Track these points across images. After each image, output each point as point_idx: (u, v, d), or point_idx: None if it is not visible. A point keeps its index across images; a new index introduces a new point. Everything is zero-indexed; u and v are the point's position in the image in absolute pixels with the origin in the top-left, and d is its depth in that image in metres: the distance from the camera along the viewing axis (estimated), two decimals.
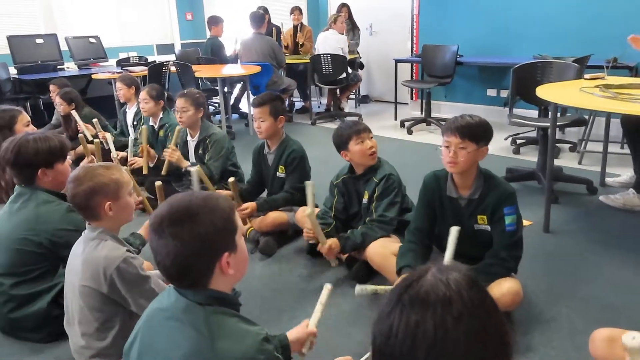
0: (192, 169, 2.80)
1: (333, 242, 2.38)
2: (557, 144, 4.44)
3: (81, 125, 4.25)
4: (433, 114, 5.77)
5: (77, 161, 3.84)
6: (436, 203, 2.16)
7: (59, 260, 1.96)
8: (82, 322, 1.67)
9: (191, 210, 1.13)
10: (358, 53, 7.09)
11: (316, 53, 6.27)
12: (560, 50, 4.95)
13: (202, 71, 5.79)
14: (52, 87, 4.89)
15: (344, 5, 6.94)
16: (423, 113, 5.93)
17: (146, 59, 6.76)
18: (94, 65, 6.72)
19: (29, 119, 2.69)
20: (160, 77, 5.88)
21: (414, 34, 6.59)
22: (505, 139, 4.82)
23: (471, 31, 5.96)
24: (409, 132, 5.55)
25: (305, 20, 7.47)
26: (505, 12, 5.67)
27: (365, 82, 7.58)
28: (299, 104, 7.25)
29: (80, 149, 3.83)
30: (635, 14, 4.74)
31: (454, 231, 1.86)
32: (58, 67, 6.43)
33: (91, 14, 6.99)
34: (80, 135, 3.27)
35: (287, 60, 6.55)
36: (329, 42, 6.16)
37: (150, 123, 4.03)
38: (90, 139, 4.26)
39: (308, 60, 6.23)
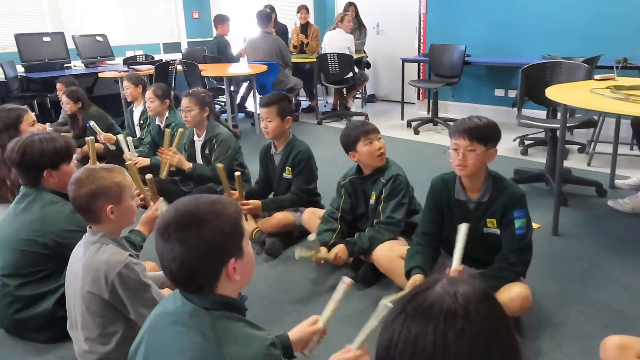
0: (219, 165, 2.79)
1: (340, 249, 2.37)
2: (566, 145, 4.40)
3: (102, 135, 4.24)
4: (440, 114, 5.74)
5: (83, 160, 3.85)
6: (444, 206, 2.14)
7: (64, 262, 1.94)
8: (85, 326, 1.65)
9: (198, 215, 1.11)
10: (365, 52, 7.06)
11: (323, 52, 6.24)
12: (569, 50, 4.91)
13: (209, 70, 5.78)
14: (58, 86, 4.91)
15: (350, 4, 6.91)
16: (430, 113, 5.89)
17: (153, 58, 6.76)
18: (100, 63, 6.73)
19: (35, 118, 2.68)
20: (167, 76, 5.88)
21: (421, 33, 6.56)
22: (514, 140, 4.78)
23: (479, 30, 5.92)
24: (416, 132, 5.52)
25: (312, 19, 7.45)
26: (513, 11, 5.63)
27: (371, 82, 7.55)
28: (305, 103, 7.24)
29: (86, 148, 3.82)
30: None
31: (463, 228, 1.84)
32: (65, 65, 6.45)
33: (98, 12, 7.00)
34: (88, 138, 3.26)
35: (294, 60, 6.53)
36: (336, 41, 6.13)
37: (157, 122, 4.03)
38: (113, 148, 4.28)
39: (314, 60, 6.21)
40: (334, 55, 5.95)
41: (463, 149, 1.94)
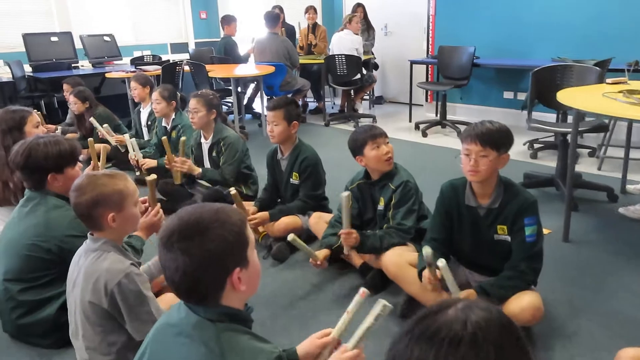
0: (233, 191, 2.68)
1: (354, 231, 2.31)
2: (576, 149, 4.34)
3: (105, 134, 4.25)
4: (448, 116, 5.69)
5: (89, 161, 3.83)
6: (454, 212, 2.10)
7: (67, 267, 1.92)
8: (86, 336, 1.61)
9: (202, 224, 1.08)
10: (373, 54, 7.02)
11: (330, 53, 6.21)
12: (579, 53, 4.85)
13: (216, 71, 5.76)
14: (65, 87, 4.91)
15: (359, 5, 6.87)
16: (438, 115, 5.84)
17: (160, 58, 6.76)
18: (108, 63, 6.74)
19: (39, 119, 2.66)
20: (174, 77, 5.87)
21: (430, 35, 6.50)
22: (524, 144, 4.72)
23: (488, 32, 5.86)
24: (424, 134, 5.48)
25: (319, 20, 7.42)
26: (523, 13, 5.56)
27: (379, 83, 7.52)
28: (312, 105, 7.20)
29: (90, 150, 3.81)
30: None
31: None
32: (72, 65, 6.46)
33: (106, 12, 7.00)
34: (90, 139, 3.24)
35: (301, 61, 6.50)
36: (344, 43, 6.10)
37: (163, 124, 4.01)
38: (114, 144, 4.28)
39: (322, 61, 6.18)
40: (341, 57, 5.91)
41: (475, 154, 1.90)
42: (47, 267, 1.96)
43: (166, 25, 7.66)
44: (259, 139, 5.51)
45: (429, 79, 6.49)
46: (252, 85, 6.85)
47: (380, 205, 2.46)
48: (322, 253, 2.44)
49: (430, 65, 6.41)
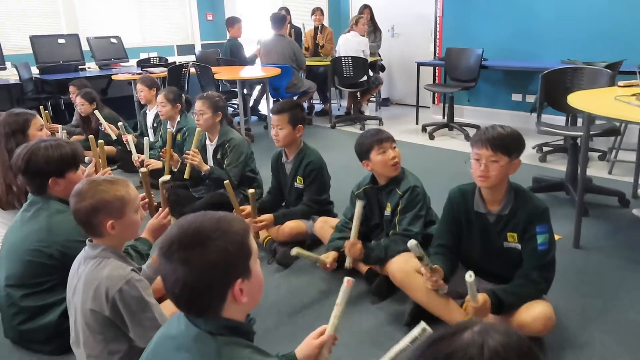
0: (226, 182, 2.69)
1: (358, 242, 2.28)
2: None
3: (104, 124, 4.24)
4: (456, 119, 5.63)
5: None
6: (462, 219, 2.05)
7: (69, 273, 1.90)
8: (87, 344, 1.58)
9: (202, 233, 1.04)
10: (379, 55, 6.98)
11: (337, 55, 6.17)
12: (589, 55, 4.78)
13: (222, 73, 5.74)
14: (71, 89, 4.90)
15: (366, 6, 6.83)
16: (445, 117, 5.78)
17: (166, 60, 6.75)
18: (114, 65, 6.74)
19: (42, 122, 2.64)
20: (180, 79, 5.86)
21: (437, 37, 6.46)
22: (533, 147, 4.65)
23: (496, 34, 5.81)
24: (431, 137, 5.43)
25: (326, 22, 7.38)
26: (531, 14, 5.51)
27: (386, 85, 7.47)
28: (318, 107, 7.17)
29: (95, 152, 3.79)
30: None
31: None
32: (79, 67, 6.45)
33: (113, 14, 7.00)
34: (90, 136, 3.22)
35: (308, 62, 6.47)
36: (350, 44, 6.06)
37: (168, 127, 3.99)
38: (115, 137, 4.26)
39: (328, 63, 6.14)
40: (348, 59, 5.88)
41: (485, 159, 1.86)
42: (49, 272, 1.93)
43: (173, 27, 7.64)
44: (265, 141, 5.47)
45: (436, 81, 6.44)
46: (258, 87, 6.82)
47: (387, 211, 2.42)
48: (331, 255, 2.43)
49: (437, 67, 6.35)
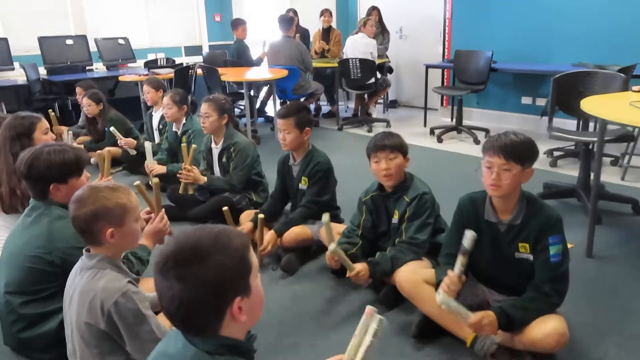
0: (224, 208, 2.70)
1: (363, 267, 2.20)
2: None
3: (122, 140, 4.24)
4: (464, 122, 5.56)
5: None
6: (472, 228, 1.98)
7: None
8: (83, 356, 1.54)
9: (200, 249, 0.99)
10: (387, 57, 6.92)
11: (345, 57, 6.12)
12: (600, 58, 4.70)
13: (228, 74, 5.71)
14: (78, 90, 4.89)
15: (374, 8, 6.78)
16: (454, 120, 5.71)
17: (174, 61, 6.73)
18: (122, 66, 6.73)
19: (48, 126, 2.61)
20: (187, 80, 5.83)
21: (446, 39, 6.39)
22: (544, 152, 4.56)
23: (506, 36, 5.73)
24: (439, 140, 5.36)
25: (334, 23, 7.34)
26: (542, 16, 5.43)
27: (394, 87, 7.41)
28: (326, 109, 7.13)
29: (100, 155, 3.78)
30: None
31: (469, 235, 1.83)
32: (87, 68, 6.45)
33: (121, 15, 6.99)
34: (100, 152, 3.19)
35: (315, 64, 6.42)
36: (358, 46, 6.01)
37: (174, 129, 3.96)
38: (134, 153, 4.28)
39: (336, 64, 6.09)
40: (356, 60, 5.83)
41: (497, 167, 1.80)
42: (49, 279, 1.89)
43: (180, 28, 7.63)
44: (271, 142, 5.43)
45: (445, 84, 6.37)
46: (264, 89, 6.78)
47: (395, 219, 2.36)
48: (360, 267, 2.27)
49: (446, 70, 6.29)
